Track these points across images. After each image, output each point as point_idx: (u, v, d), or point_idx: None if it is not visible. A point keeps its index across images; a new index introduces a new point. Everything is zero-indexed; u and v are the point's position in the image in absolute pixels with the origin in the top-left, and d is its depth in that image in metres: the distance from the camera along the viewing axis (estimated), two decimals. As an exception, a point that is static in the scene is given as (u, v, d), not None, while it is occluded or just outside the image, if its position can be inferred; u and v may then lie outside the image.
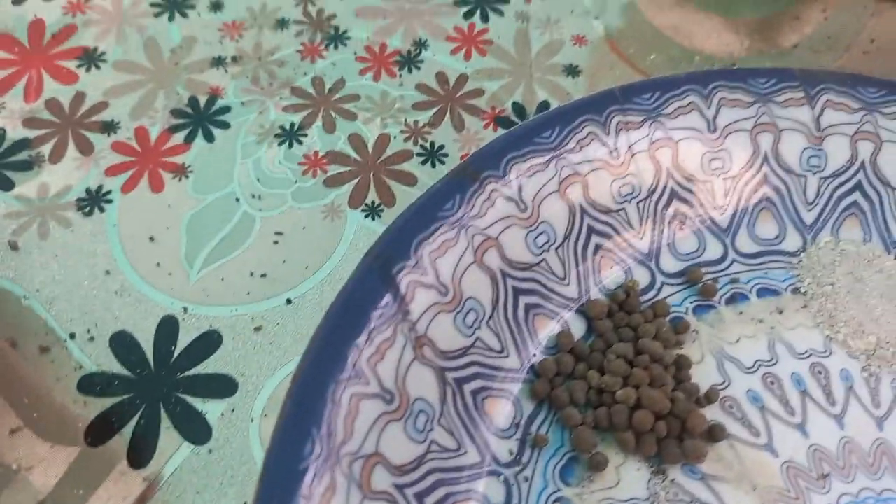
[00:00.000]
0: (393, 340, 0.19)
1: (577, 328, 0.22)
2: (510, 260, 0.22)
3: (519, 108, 0.28)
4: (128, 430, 0.20)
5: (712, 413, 0.21)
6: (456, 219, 0.21)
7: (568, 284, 0.22)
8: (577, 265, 0.23)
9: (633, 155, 0.24)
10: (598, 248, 0.23)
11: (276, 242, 0.24)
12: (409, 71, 0.29)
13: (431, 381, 0.19)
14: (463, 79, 0.28)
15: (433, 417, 0.19)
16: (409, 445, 0.18)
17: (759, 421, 0.21)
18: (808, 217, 0.24)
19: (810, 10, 0.32)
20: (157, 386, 0.21)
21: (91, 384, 0.21)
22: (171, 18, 0.30)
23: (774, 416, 0.21)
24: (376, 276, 0.19)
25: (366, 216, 0.25)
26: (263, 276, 0.23)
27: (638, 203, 0.24)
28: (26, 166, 0.25)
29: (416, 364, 0.19)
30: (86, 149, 0.26)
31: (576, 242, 0.23)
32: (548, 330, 0.22)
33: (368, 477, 0.17)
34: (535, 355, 0.21)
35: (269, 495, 0.16)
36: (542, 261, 0.22)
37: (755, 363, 0.22)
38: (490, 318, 0.21)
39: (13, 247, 0.23)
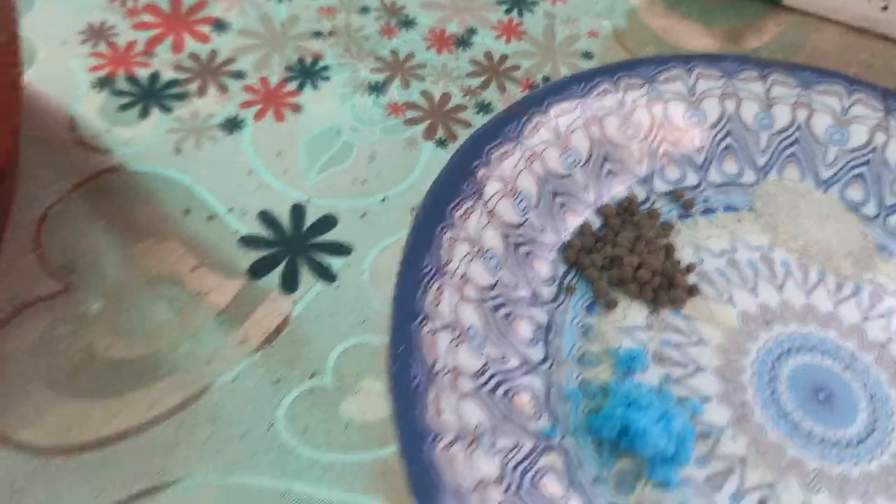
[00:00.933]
0: (473, 209, 0.28)
1: (595, 222, 0.31)
2: (549, 170, 0.31)
3: (546, 79, 0.37)
4: (277, 272, 0.29)
5: (691, 280, 0.30)
6: (513, 136, 0.30)
7: (588, 192, 0.31)
8: (594, 179, 0.32)
9: (635, 108, 0.33)
10: (609, 171, 0.32)
11: (370, 162, 0.33)
12: (463, 49, 0.38)
13: (498, 239, 0.28)
14: (504, 57, 0.38)
15: (500, 262, 0.28)
16: (486, 275, 0.27)
17: (723, 286, 0.30)
18: (760, 161, 0.34)
19: (768, 23, 0.42)
20: (295, 246, 0.30)
21: (247, 242, 0.29)
22: (279, 0, 0.39)
23: (734, 284, 0.30)
24: (460, 168, 0.28)
25: (435, 147, 0.34)
26: (363, 182, 0.32)
27: (638, 142, 0.33)
28: (180, 97, 0.34)
29: (488, 227, 0.28)
30: (222, 89, 0.35)
31: (594, 165, 0.32)
32: (574, 221, 0.31)
33: (463, 288, 0.26)
34: (565, 236, 0.30)
35: (404, 286, 0.24)
36: (571, 174, 0.31)
37: (721, 251, 0.31)
38: (535, 206, 0.30)
39: (178, 151, 0.32)
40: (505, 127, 0.29)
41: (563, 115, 0.31)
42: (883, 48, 0.41)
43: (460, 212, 0.27)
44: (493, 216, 0.28)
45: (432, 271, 0.25)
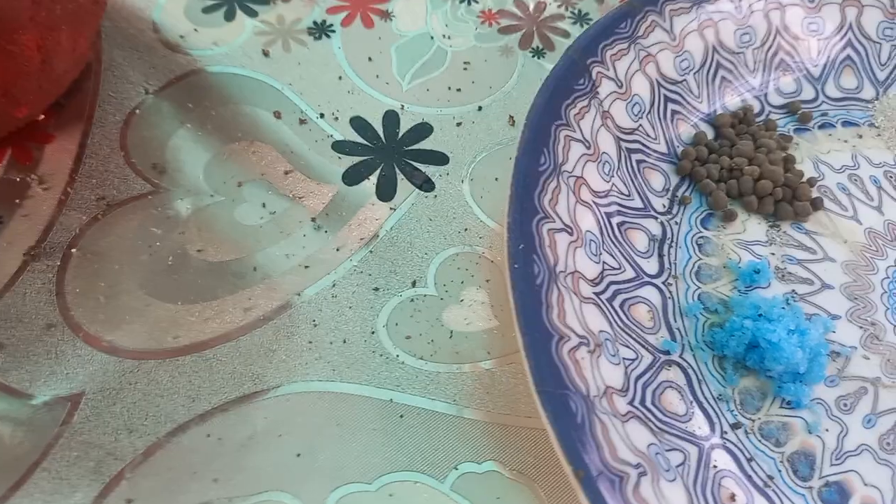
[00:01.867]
0: (588, 108, 0.25)
1: (709, 134, 0.28)
2: (663, 74, 0.28)
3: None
4: (373, 179, 0.27)
5: (814, 194, 0.27)
6: (627, 35, 0.27)
7: (701, 101, 0.29)
8: (707, 87, 0.29)
9: (752, 12, 0.30)
10: (723, 79, 0.29)
11: (465, 69, 0.31)
12: (556, -41, 0.35)
13: (611, 142, 0.26)
14: (600, -33, 0.35)
15: (614, 167, 0.25)
16: (600, 180, 0.25)
17: (846, 201, 0.27)
18: (881, 74, 0.31)
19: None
20: (391, 153, 0.28)
21: (341, 147, 0.27)
22: None
23: (858, 200, 0.27)
24: (575, 64, 0.26)
25: (532, 56, 0.31)
26: (458, 90, 0.30)
27: (753, 50, 0.30)
28: (265, 1, 0.32)
29: (602, 129, 0.26)
30: (309, -6, 0.32)
31: (707, 72, 0.29)
32: (685, 130, 0.28)
33: (578, 190, 0.24)
34: (677, 145, 0.28)
35: (522, 182, 0.22)
36: (684, 80, 0.28)
37: (842, 166, 0.28)
38: (648, 112, 0.27)
39: (266, 54, 0.30)
40: (620, 24, 0.27)
41: (678, 16, 0.28)
42: None
43: (575, 110, 0.25)
44: (608, 118, 0.25)
45: (549, 169, 0.23)
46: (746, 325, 0.22)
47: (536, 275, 0.20)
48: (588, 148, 0.24)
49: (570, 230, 0.22)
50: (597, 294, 0.22)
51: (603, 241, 0.23)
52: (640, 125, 0.26)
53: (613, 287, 0.23)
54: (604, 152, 0.25)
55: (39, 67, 0.24)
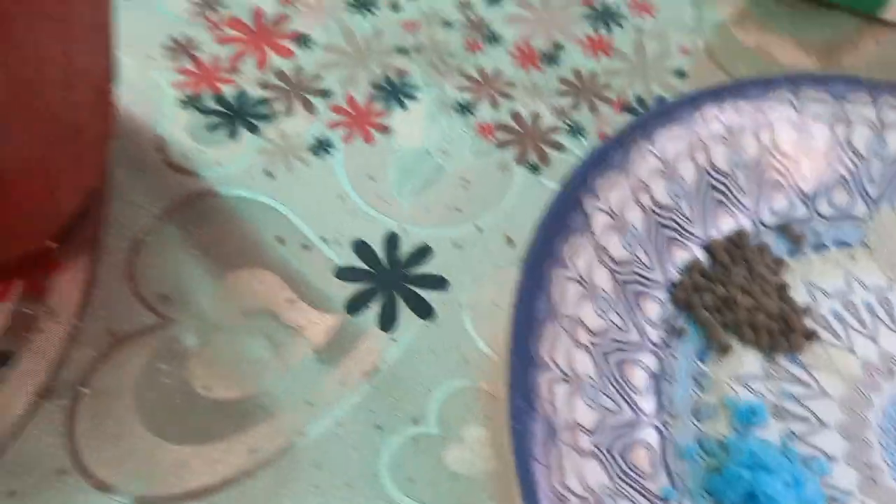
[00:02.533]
0: (584, 245, 0.25)
1: (703, 258, 0.29)
2: (656, 201, 0.28)
3: (639, 99, 0.34)
4: (375, 307, 0.27)
5: (808, 324, 0.27)
6: (619, 165, 0.27)
7: (695, 225, 0.29)
8: (702, 212, 0.29)
9: (742, 133, 0.30)
10: (717, 201, 0.30)
11: (463, 186, 0.31)
12: (551, 66, 0.35)
13: (607, 277, 0.26)
14: (593, 75, 0.35)
15: (610, 303, 0.26)
16: (596, 318, 0.25)
17: (841, 331, 0.27)
18: (873, 191, 0.31)
19: (865, 38, 0.39)
20: (392, 279, 0.28)
21: (344, 274, 0.28)
22: (362, 14, 0.36)
23: (853, 329, 0.27)
24: (569, 200, 0.26)
25: (529, 171, 0.32)
26: (457, 209, 0.30)
27: (744, 169, 0.30)
28: (267, 117, 0.32)
29: (597, 264, 0.26)
30: (310, 108, 0.33)
31: (701, 195, 0.29)
32: (682, 256, 0.28)
33: (575, 332, 0.24)
34: (673, 274, 0.28)
35: (520, 331, 0.22)
36: (678, 206, 0.29)
37: (835, 291, 0.28)
38: (643, 241, 0.28)
39: (269, 175, 0.30)
40: (611, 156, 0.27)
41: (669, 142, 0.28)
42: (985, 64, 0.38)
43: (570, 248, 0.25)
44: (603, 252, 0.26)
45: (546, 315, 0.23)
46: (744, 475, 0.22)
47: (536, 434, 0.20)
48: (584, 286, 0.24)
49: (568, 378, 0.22)
50: (595, 445, 0.22)
51: (601, 384, 0.23)
52: (636, 255, 0.27)
53: (612, 433, 0.23)
54: (599, 287, 0.25)
55: (48, 205, 0.24)
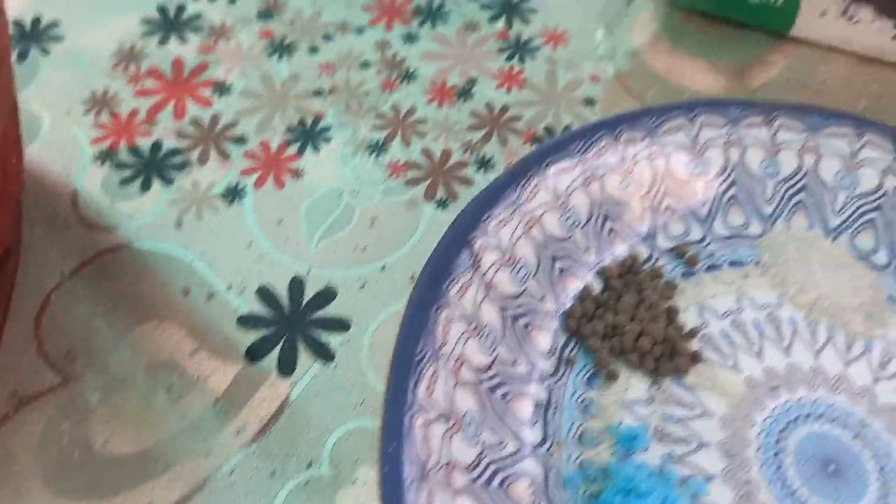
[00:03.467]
0: (471, 283, 0.26)
1: (596, 285, 0.29)
2: (548, 234, 0.29)
3: (549, 130, 0.35)
4: (275, 353, 0.28)
5: (694, 345, 0.28)
6: (511, 202, 0.28)
7: (589, 254, 0.30)
8: (596, 240, 0.30)
9: (636, 162, 0.31)
10: (611, 230, 0.30)
11: (372, 225, 0.32)
12: (464, 101, 0.36)
13: (495, 313, 0.27)
14: (505, 108, 0.36)
15: (498, 338, 0.26)
16: (482, 355, 0.26)
17: (728, 350, 0.28)
18: (767, 210, 0.32)
19: (775, 56, 0.40)
20: (294, 323, 0.28)
21: (246, 321, 0.28)
22: (279, 59, 0.37)
23: (739, 348, 0.28)
24: (458, 240, 0.27)
25: (436, 207, 0.32)
26: (364, 249, 0.31)
27: (640, 198, 0.31)
28: (180, 167, 0.33)
29: (486, 300, 0.26)
30: (224, 155, 0.34)
31: (595, 225, 0.30)
32: (575, 285, 0.29)
33: (458, 370, 0.25)
34: (565, 303, 0.29)
35: (398, 374, 0.23)
36: (571, 236, 0.29)
37: (726, 312, 0.29)
38: (535, 274, 0.28)
39: (179, 225, 0.31)
40: (503, 192, 0.28)
41: (562, 175, 0.29)
42: (892, 77, 0.39)
43: (456, 288, 0.26)
44: (491, 289, 0.26)
45: (427, 356, 0.24)
46: (617, 500, 0.23)
47: (406, 476, 0.21)
48: (470, 324, 0.25)
49: (447, 417, 0.23)
50: (473, 480, 0.23)
51: (484, 420, 0.24)
52: (527, 288, 0.27)
53: (492, 467, 0.23)
54: (486, 324, 0.26)
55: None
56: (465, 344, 0.25)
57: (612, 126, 0.31)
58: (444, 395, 0.24)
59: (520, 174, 0.29)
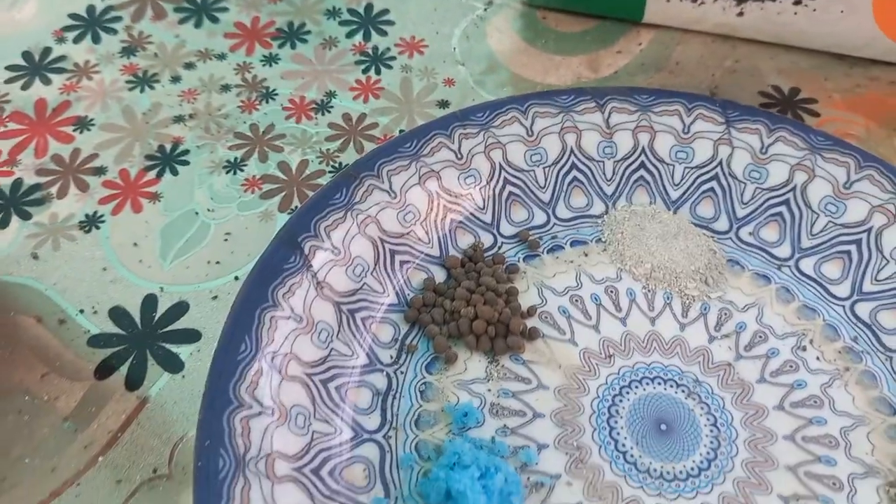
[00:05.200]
0: (300, 283, 0.27)
1: (440, 276, 0.31)
2: (386, 231, 0.30)
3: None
4: (124, 369, 0.28)
5: (533, 322, 0.29)
6: (342, 204, 0.29)
7: (431, 246, 0.31)
8: (437, 232, 0.31)
9: (472, 156, 0.32)
10: (452, 221, 0.32)
11: (226, 240, 0.32)
12: (323, 114, 0.37)
13: (330, 310, 0.28)
14: (363, 116, 0.37)
15: (333, 333, 0.27)
16: (315, 350, 0.26)
17: (565, 325, 0.29)
18: (608, 189, 0.33)
19: (630, 43, 0.42)
20: (144, 339, 0.29)
21: (97, 341, 0.29)
22: (141, 90, 0.38)
23: (576, 321, 0.29)
24: (286, 243, 0.28)
25: (289, 216, 0.33)
26: (217, 262, 0.32)
27: (480, 188, 0.32)
28: (40, 202, 0.34)
29: (318, 299, 0.27)
30: (83, 187, 0.34)
31: (435, 218, 0.31)
32: (417, 278, 0.30)
33: (286, 367, 0.25)
34: (408, 294, 0.30)
35: (217, 374, 0.24)
36: (410, 231, 0.31)
37: (565, 289, 0.30)
38: (373, 269, 0.29)
39: (35, 257, 0.32)
40: (333, 195, 0.29)
41: (396, 174, 0.30)
42: (747, 51, 0.41)
43: (284, 289, 0.26)
44: (323, 287, 0.27)
45: (248, 356, 0.25)
46: (441, 475, 0.23)
47: (220, 469, 0.22)
48: (300, 322, 0.26)
49: (270, 411, 0.24)
50: (298, 469, 0.23)
51: (315, 411, 0.25)
52: (365, 284, 0.28)
53: (323, 454, 0.24)
54: (319, 321, 0.27)
55: None
56: (293, 342, 0.26)
57: (445, 124, 0.32)
58: (269, 391, 0.24)
59: (352, 176, 0.30)
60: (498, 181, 0.32)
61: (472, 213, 0.31)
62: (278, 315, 0.26)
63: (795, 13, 0.38)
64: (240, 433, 0.23)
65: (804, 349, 0.28)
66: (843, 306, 0.29)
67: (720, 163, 0.32)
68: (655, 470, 0.25)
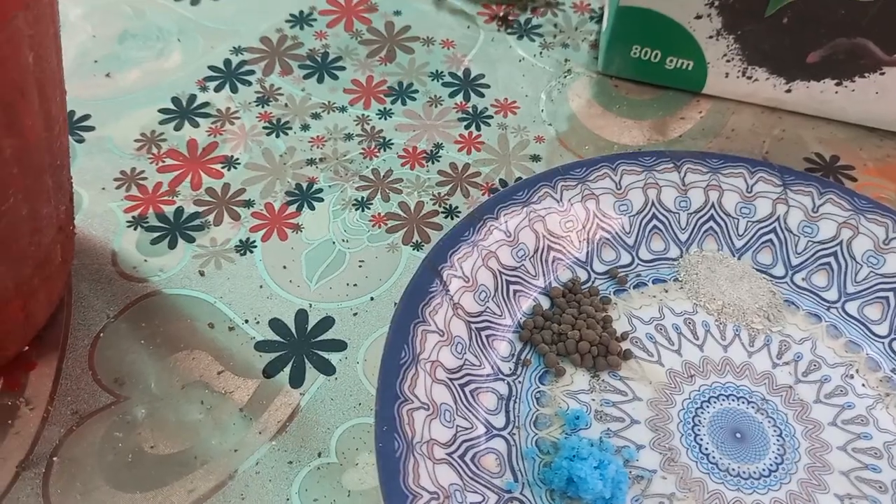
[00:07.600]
0: (441, 304, 0.32)
1: (545, 303, 0.36)
2: (503, 264, 0.35)
3: (503, 182, 0.42)
4: (287, 370, 0.33)
5: (626, 345, 0.34)
6: (471, 240, 0.34)
7: (538, 278, 0.36)
8: (542, 267, 0.36)
9: (571, 204, 0.38)
10: (554, 258, 0.37)
11: (360, 266, 0.38)
12: (433, 163, 0.43)
13: (463, 327, 0.33)
14: (467, 166, 0.43)
15: (466, 346, 0.32)
16: (453, 359, 0.31)
17: (653, 349, 0.34)
18: (682, 237, 0.38)
19: (691, 111, 0.47)
20: (301, 346, 0.34)
21: (262, 346, 0.34)
22: (277, 136, 0.44)
23: (662, 346, 0.34)
24: (429, 271, 0.33)
25: (413, 249, 0.38)
26: (355, 285, 0.37)
27: (577, 232, 0.37)
28: (200, 228, 0.39)
29: (454, 317, 0.32)
30: (235, 217, 0.40)
31: (541, 255, 0.36)
32: (526, 304, 0.35)
33: (434, 372, 0.30)
34: (520, 317, 0.35)
35: (385, 373, 0.29)
36: (521, 265, 0.36)
37: (650, 319, 0.35)
38: (493, 295, 0.34)
39: (202, 274, 0.37)
40: (464, 233, 0.34)
41: (511, 218, 0.35)
42: (792, 122, 0.46)
43: (430, 308, 0.31)
44: (458, 308, 0.32)
45: (408, 361, 0.30)
46: (564, 464, 0.28)
47: (396, 449, 0.27)
48: (442, 336, 0.31)
49: (427, 407, 0.29)
50: (449, 454, 0.28)
51: (457, 409, 0.30)
52: (487, 307, 0.33)
53: (466, 444, 0.29)
54: (456, 335, 0.32)
55: (24, 322, 0.30)
56: (439, 352, 0.31)
57: (550, 177, 0.37)
58: (424, 389, 0.29)
59: (477, 219, 0.35)
60: (592, 226, 0.37)
61: (569, 252, 0.36)
62: (427, 329, 0.31)
63: (836, 92, 0.43)
64: (406, 422, 0.28)
65: (851, 377, 0.33)
66: (883, 342, 0.34)
67: (778, 218, 0.37)
68: (734, 469, 0.30)
